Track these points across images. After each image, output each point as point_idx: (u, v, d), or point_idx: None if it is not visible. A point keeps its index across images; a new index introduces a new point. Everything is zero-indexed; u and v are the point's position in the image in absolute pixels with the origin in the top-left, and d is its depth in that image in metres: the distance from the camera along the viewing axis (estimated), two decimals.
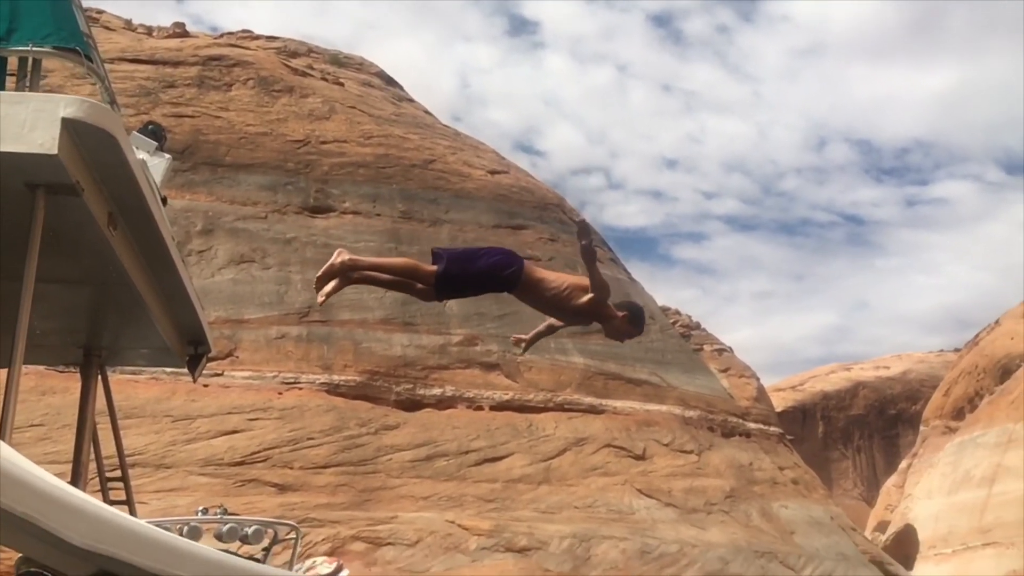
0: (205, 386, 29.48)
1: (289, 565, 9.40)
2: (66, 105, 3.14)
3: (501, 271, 4.06)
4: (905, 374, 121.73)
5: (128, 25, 42.50)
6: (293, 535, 10.17)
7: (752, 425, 43.69)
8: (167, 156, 5.41)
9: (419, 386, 33.27)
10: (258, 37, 46.30)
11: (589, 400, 35.74)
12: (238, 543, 8.89)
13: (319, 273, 4.14)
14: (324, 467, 28.76)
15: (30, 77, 3.99)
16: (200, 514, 9.48)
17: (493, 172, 43.97)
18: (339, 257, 4.09)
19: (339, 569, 9.16)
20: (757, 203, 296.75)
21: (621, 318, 4.11)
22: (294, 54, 45.73)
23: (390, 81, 49.62)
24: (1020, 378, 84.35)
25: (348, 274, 4.17)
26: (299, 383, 31.45)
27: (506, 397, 34.26)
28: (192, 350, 5.41)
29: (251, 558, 7.95)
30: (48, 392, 25.81)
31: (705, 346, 67.23)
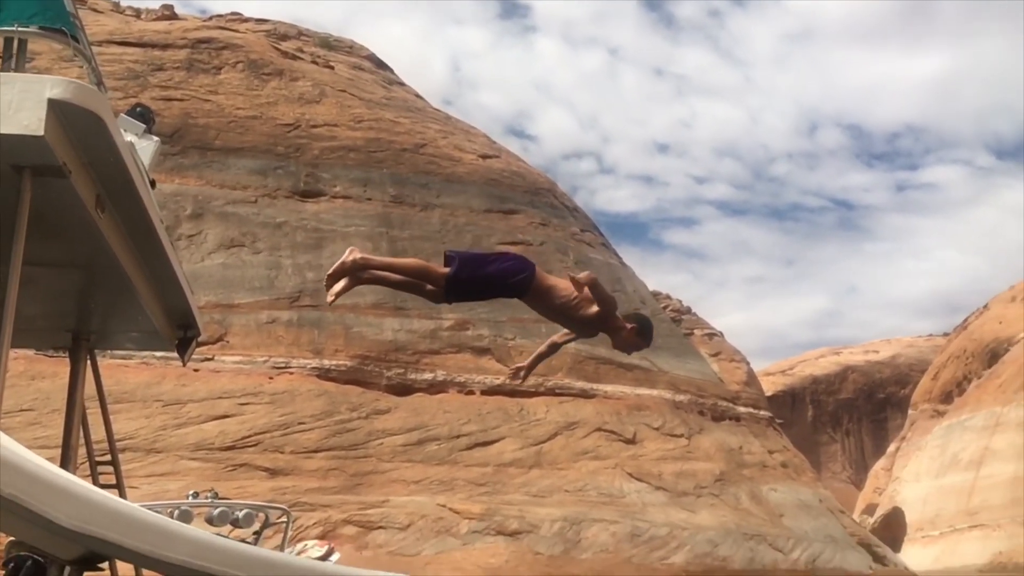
0: (195, 371, 29.44)
1: (280, 548, 9.42)
2: (52, 86, 3.11)
3: (512, 277, 4.06)
4: (894, 358, 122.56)
5: (116, 7, 42.11)
6: (284, 519, 10.19)
7: (742, 409, 43.91)
8: (155, 138, 5.36)
9: (410, 371, 33.30)
10: (247, 20, 45.95)
11: (580, 384, 35.83)
12: (229, 527, 8.91)
13: (330, 271, 4.11)
14: (315, 451, 28.80)
15: (15, 58, 3.95)
16: (191, 498, 9.49)
17: (484, 156, 43.86)
18: (351, 255, 4.05)
19: (330, 552, 9.19)
20: (748, 188, 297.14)
21: (629, 330, 4.12)
22: (284, 37, 45.41)
23: (381, 64, 49.36)
24: (1008, 362, 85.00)
25: (358, 273, 4.14)
26: (290, 368, 31.44)
27: (497, 381, 34.32)
28: (181, 334, 5.38)
29: (242, 542, 7.96)
30: (38, 377, 25.73)
31: (695, 331, 67.43)
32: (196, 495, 9.60)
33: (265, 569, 2.14)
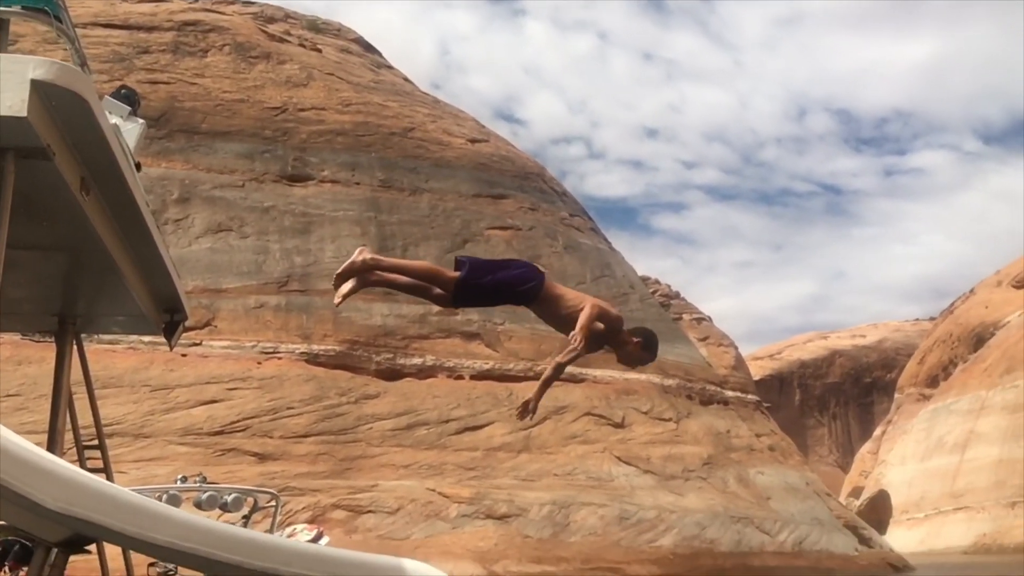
0: (183, 356, 29.35)
1: (269, 532, 9.44)
2: (35, 67, 3.07)
3: (521, 284, 4.06)
4: (881, 342, 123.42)
5: None
6: (273, 503, 10.20)
7: (730, 393, 44.13)
8: (141, 121, 5.31)
9: (399, 355, 33.30)
10: (234, 2, 45.49)
11: (569, 369, 35.93)
12: (218, 511, 8.90)
13: (339, 271, 4.09)
14: (304, 436, 28.81)
15: None
16: (179, 483, 9.49)
17: (473, 141, 43.71)
18: (360, 255, 4.03)
19: (319, 536, 9.21)
20: (737, 173, 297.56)
21: (635, 344, 4.13)
22: (271, 19, 45.02)
23: (369, 48, 49.05)
24: (993, 346, 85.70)
25: (366, 275, 4.13)
26: (278, 353, 31.38)
27: (486, 366, 34.37)
28: (168, 318, 5.35)
29: None
30: (24, 362, 25.61)
31: (684, 315, 67.66)
32: (185, 479, 9.59)
33: (253, 550, 2.14)
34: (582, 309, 4.07)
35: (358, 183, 37.67)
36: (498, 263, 4.19)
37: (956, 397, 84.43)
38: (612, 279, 43.38)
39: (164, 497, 8.28)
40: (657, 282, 73.43)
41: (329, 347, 32.28)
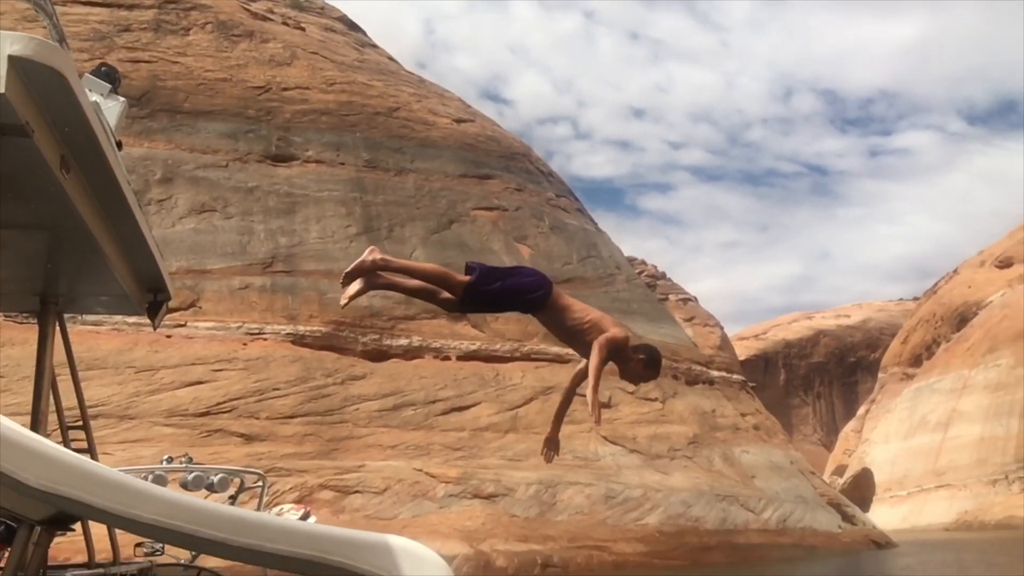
0: (168, 337, 29.23)
1: None
2: (12, 42, 3.02)
3: (530, 292, 4.07)
4: (865, 322, 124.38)
5: None
6: (260, 483, 10.19)
7: (715, 373, 44.40)
8: (122, 99, 5.24)
9: (386, 336, 33.28)
10: None
11: (555, 350, 35.96)
12: (204, 491, 8.89)
13: (348, 269, 4.08)
14: (291, 417, 28.80)
15: None
16: (165, 463, 9.45)
17: (459, 121, 43.52)
18: (371, 255, 4.01)
19: (307, 516, 9.21)
20: (723, 153, 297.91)
21: (638, 361, 4.14)
22: None
23: (353, 26, 48.63)
24: (976, 326, 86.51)
25: (373, 279, 4.12)
26: (264, 334, 31.30)
27: (473, 347, 34.41)
28: (151, 297, 5.31)
29: None
30: (7, 343, 25.41)
31: (670, 296, 67.88)
32: (171, 460, 9.55)
33: (238, 527, 2.13)
34: (588, 323, 4.09)
35: (343, 163, 37.47)
36: (507, 270, 4.21)
37: (939, 376, 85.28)
38: (598, 260, 43.44)
39: (150, 477, 8.26)
40: (643, 263, 73.59)
41: (315, 328, 32.22)
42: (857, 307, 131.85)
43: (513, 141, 47.07)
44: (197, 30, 38.04)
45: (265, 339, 31.09)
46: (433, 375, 32.63)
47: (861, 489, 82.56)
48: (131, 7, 36.88)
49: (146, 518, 2.02)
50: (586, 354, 4.17)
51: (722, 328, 67.51)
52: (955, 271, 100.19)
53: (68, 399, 5.51)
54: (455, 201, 39.36)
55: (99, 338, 27.44)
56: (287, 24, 42.46)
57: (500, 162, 42.84)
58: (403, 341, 33.54)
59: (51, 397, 5.01)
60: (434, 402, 31.84)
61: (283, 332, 31.57)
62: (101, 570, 3.94)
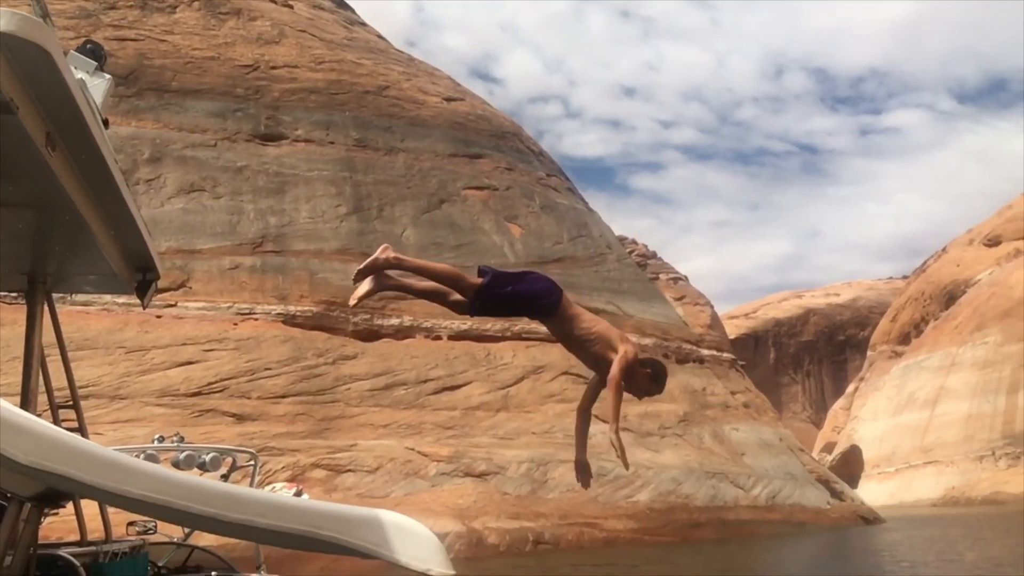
0: (158, 317, 29.15)
1: None
2: None
3: (541, 299, 4.09)
4: (855, 301, 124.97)
5: None
6: (252, 462, 10.20)
7: (706, 352, 44.56)
8: (107, 76, 5.19)
9: (377, 316, 33.25)
10: None
11: (546, 329, 36.11)
12: (196, 470, 8.90)
13: (361, 266, 4.06)
14: (282, 397, 28.81)
15: None
16: (156, 442, 9.45)
17: (449, 99, 43.29)
18: (384, 253, 3.99)
19: (299, 494, 9.24)
20: (714, 132, 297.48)
21: (643, 374, 4.16)
22: None
23: (341, 4, 48.21)
24: (964, 304, 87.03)
25: (382, 280, 4.11)
26: (254, 314, 31.23)
27: (464, 327, 34.40)
28: (140, 276, 5.28)
29: None
30: None
31: (661, 275, 68.01)
32: (162, 439, 9.55)
33: (229, 502, 2.14)
34: (594, 334, 4.12)
35: (332, 142, 37.28)
36: (517, 275, 4.22)
37: (927, 354, 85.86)
38: (589, 239, 43.43)
39: (142, 456, 8.26)
40: (634, 242, 73.67)
41: (306, 308, 32.18)
42: (846, 286, 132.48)
43: (503, 120, 46.88)
44: (184, 8, 37.66)
45: (256, 319, 31.04)
46: (424, 355, 32.66)
47: (850, 466, 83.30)
48: None
49: (136, 494, 2.03)
50: (590, 364, 4.20)
51: (712, 307, 67.77)
52: (944, 250, 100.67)
53: (59, 380, 5.49)
54: (445, 180, 39.24)
55: (89, 318, 27.35)
56: (275, 2, 42.08)
57: (490, 141, 42.68)
58: (394, 321, 33.53)
59: (40, 377, 4.99)
60: (425, 381, 31.89)
61: (274, 312, 31.52)
62: (93, 548, 3.95)
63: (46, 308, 5.10)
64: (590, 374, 4.32)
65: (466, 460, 29.01)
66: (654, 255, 74.88)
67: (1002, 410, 71.72)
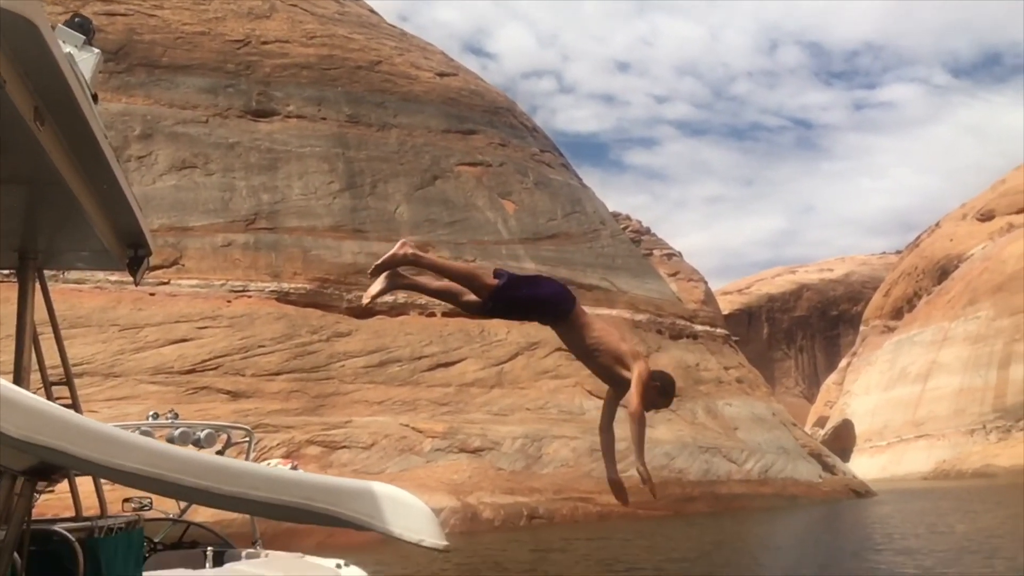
0: (151, 295, 29.09)
1: None
2: None
3: (554, 304, 4.09)
4: (848, 276, 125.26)
5: None
6: (247, 439, 10.23)
7: (699, 327, 44.67)
8: (96, 51, 5.14)
9: None
10: None
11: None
12: (191, 447, 8.92)
13: (379, 261, 4.04)
14: (276, 374, 28.83)
15: None
16: (151, 419, 9.46)
17: (442, 75, 43.02)
18: (403, 248, 3.98)
19: (295, 470, 9.28)
20: (708, 107, 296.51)
21: (653, 387, 4.15)
22: None
23: None
24: (957, 278, 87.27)
25: (396, 279, 4.10)
26: (248, 291, 31.18)
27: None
28: (132, 253, 5.25)
29: None
30: None
31: (655, 251, 67.99)
32: (156, 416, 9.57)
33: (222, 475, 2.15)
34: (603, 346, 4.11)
35: (324, 118, 37.06)
36: (532, 279, 4.23)
37: (920, 329, 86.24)
38: (583, 215, 43.37)
39: (136, 433, 8.27)
40: (628, 218, 73.57)
41: (299, 285, 32.13)
42: (840, 261, 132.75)
43: (497, 95, 46.64)
44: None
45: (249, 296, 30.99)
46: (418, 331, 32.69)
47: (842, 440, 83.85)
48: None
49: (129, 467, 2.03)
50: (598, 374, 4.21)
51: (706, 283, 67.83)
52: (937, 224, 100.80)
53: (52, 359, 5.48)
54: (439, 157, 39.08)
55: (82, 296, 27.28)
56: None
57: (484, 117, 42.48)
58: (388, 298, 33.39)
59: (33, 354, 4.98)
60: (420, 358, 31.94)
61: (267, 289, 31.48)
62: (88, 523, 3.97)
63: (38, 285, 5.08)
64: None
65: (461, 436, 29.13)
66: (648, 231, 74.85)
67: (993, 384, 72.20)
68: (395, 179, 37.07)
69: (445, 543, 2.32)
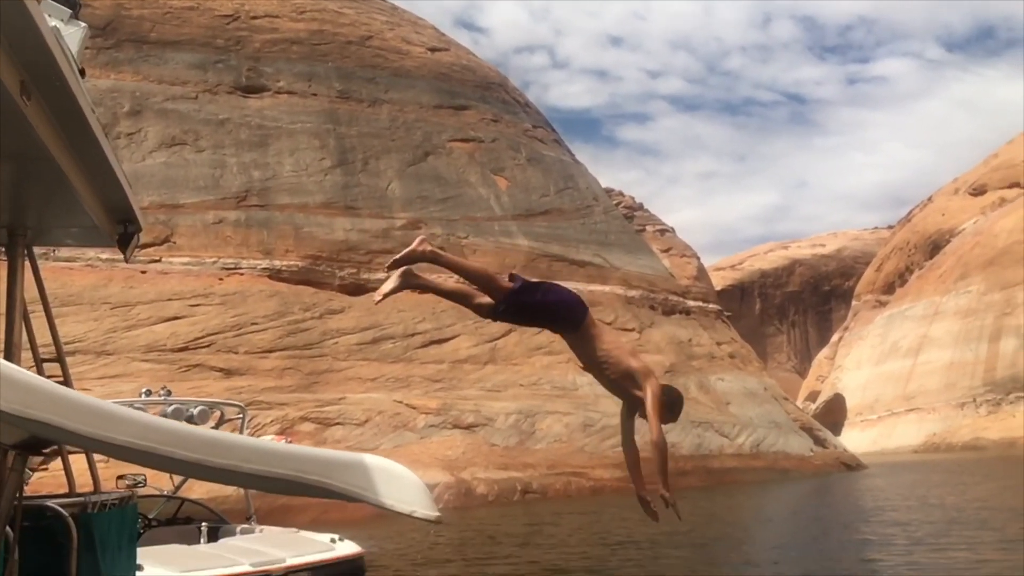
0: (143, 272, 29.00)
1: None
2: None
3: (566, 313, 4.06)
4: (840, 251, 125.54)
5: None
6: (240, 415, 10.26)
7: (692, 303, 44.78)
8: (83, 25, 5.08)
9: (363, 270, 33.18)
10: None
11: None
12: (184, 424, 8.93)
13: (396, 257, 4.00)
14: (269, 351, 28.83)
15: None
16: (144, 396, 9.47)
17: (433, 50, 42.72)
18: (421, 245, 3.94)
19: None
20: (701, 82, 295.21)
21: (660, 404, 4.15)
22: None
23: None
24: (948, 253, 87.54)
25: (408, 278, 4.07)
26: (240, 269, 31.10)
27: (452, 280, 34.42)
28: (122, 229, 5.22)
29: None
30: None
31: (648, 227, 68.04)
32: (149, 393, 9.58)
33: (213, 448, 2.15)
34: (612, 360, 4.10)
35: (315, 94, 36.80)
36: (547, 286, 4.21)
37: (911, 303, 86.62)
38: (576, 191, 43.29)
39: None
40: (621, 194, 73.51)
41: (291, 262, 32.06)
42: (832, 236, 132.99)
43: (489, 71, 46.36)
44: None
45: (241, 274, 30.92)
46: (411, 308, 32.68)
47: (833, 414, 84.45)
48: None
49: (120, 440, 2.03)
50: (605, 386, 4.21)
51: (699, 259, 67.99)
52: (929, 199, 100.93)
53: (44, 337, 5.46)
54: (431, 133, 38.89)
55: (73, 274, 27.18)
56: None
57: (476, 92, 42.25)
58: (380, 275, 33.41)
59: (24, 331, 4.96)
60: (413, 335, 31.97)
61: (259, 267, 31.40)
62: (81, 499, 3.97)
63: (27, 262, 5.05)
64: None
65: (454, 412, 29.23)
66: (641, 207, 74.83)
67: (983, 358, 72.66)
68: (387, 155, 36.90)
69: (437, 514, 2.33)
